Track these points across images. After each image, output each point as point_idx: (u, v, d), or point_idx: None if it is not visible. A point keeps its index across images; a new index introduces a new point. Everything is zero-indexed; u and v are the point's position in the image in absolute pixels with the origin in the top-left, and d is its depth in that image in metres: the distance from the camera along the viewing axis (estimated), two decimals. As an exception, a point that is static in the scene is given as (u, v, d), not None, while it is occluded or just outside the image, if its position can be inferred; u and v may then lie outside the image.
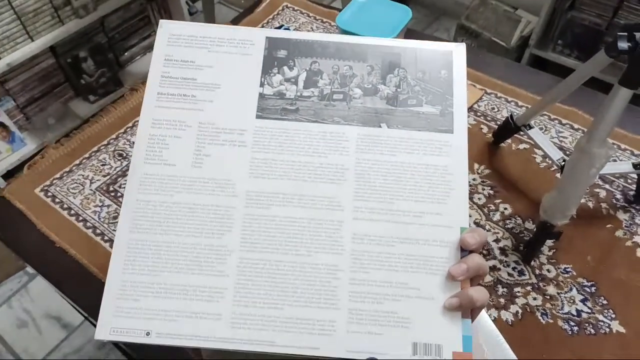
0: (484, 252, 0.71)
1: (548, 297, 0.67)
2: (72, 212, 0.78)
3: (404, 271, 0.42)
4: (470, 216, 0.75)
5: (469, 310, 0.42)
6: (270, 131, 0.46)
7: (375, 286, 0.42)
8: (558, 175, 0.78)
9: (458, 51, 0.49)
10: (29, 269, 1.57)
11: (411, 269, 0.42)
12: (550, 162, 0.80)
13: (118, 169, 0.83)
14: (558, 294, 0.67)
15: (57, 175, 0.82)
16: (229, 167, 0.45)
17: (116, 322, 0.41)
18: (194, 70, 0.48)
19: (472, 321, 0.42)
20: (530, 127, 0.77)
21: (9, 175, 1.71)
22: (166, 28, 0.49)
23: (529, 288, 0.68)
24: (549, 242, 0.71)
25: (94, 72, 1.82)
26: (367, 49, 0.49)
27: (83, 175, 0.82)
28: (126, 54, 1.96)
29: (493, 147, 0.84)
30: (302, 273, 0.42)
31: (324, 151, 0.46)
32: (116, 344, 1.17)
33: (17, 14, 1.53)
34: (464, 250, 0.43)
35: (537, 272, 0.69)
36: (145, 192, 0.45)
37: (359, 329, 0.41)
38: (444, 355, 0.41)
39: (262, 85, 0.48)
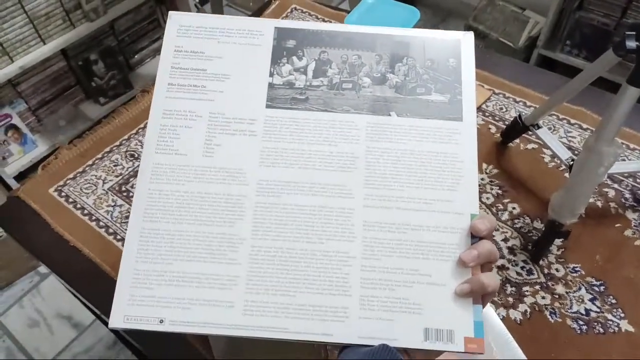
0: (493, 251, 0.71)
1: (557, 296, 0.67)
2: (85, 211, 0.79)
3: (415, 258, 0.43)
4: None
5: (479, 296, 0.42)
6: (281, 120, 0.47)
7: (386, 273, 0.42)
8: (567, 175, 0.78)
9: (466, 40, 0.49)
10: (41, 269, 1.59)
11: (422, 256, 0.43)
12: (558, 161, 0.80)
13: (130, 169, 0.84)
14: (567, 293, 0.67)
15: (71, 176, 0.84)
16: (239, 157, 0.46)
17: (130, 310, 0.42)
18: (203, 61, 0.48)
19: (484, 307, 0.42)
20: (539, 127, 0.78)
21: (21, 176, 1.74)
22: (175, 19, 0.50)
23: (537, 287, 0.68)
24: (558, 242, 0.71)
25: (104, 75, 1.84)
26: (375, 38, 0.50)
27: (96, 176, 0.84)
28: (136, 56, 1.98)
29: (501, 147, 0.84)
30: (313, 260, 0.43)
31: (334, 140, 0.46)
32: (127, 343, 1.18)
33: (29, 18, 1.56)
34: (474, 237, 0.43)
35: (546, 271, 0.69)
36: (157, 182, 0.45)
37: (371, 315, 0.41)
38: (455, 341, 0.41)
39: (271, 75, 0.48)
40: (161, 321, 0.41)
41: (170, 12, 0.50)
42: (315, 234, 0.43)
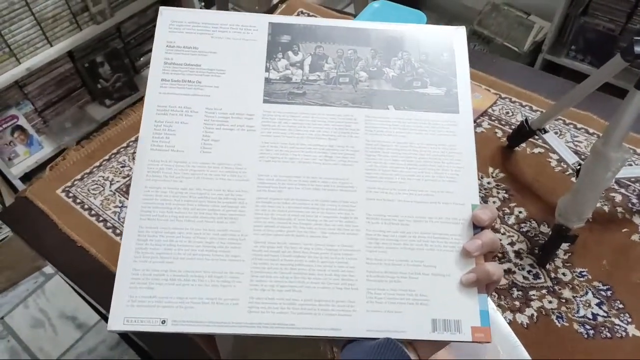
0: (499, 255, 0.72)
1: (563, 301, 0.67)
2: (93, 212, 0.79)
3: (419, 249, 0.43)
4: (484, 219, 0.75)
5: (484, 285, 0.42)
6: (279, 115, 0.46)
7: (392, 265, 0.42)
8: (573, 179, 0.78)
9: (458, 34, 0.50)
10: (45, 270, 1.59)
11: (426, 247, 0.43)
12: (565, 166, 0.80)
13: (137, 170, 0.85)
14: (573, 297, 0.67)
15: (78, 177, 0.84)
16: (238, 152, 0.45)
17: (130, 311, 0.40)
18: (197, 57, 0.48)
19: (488, 295, 0.42)
20: (545, 131, 0.78)
21: (27, 177, 1.74)
22: (167, 15, 0.49)
23: (544, 291, 0.68)
24: (564, 246, 0.71)
25: (110, 77, 1.85)
26: (369, 33, 0.50)
27: (103, 177, 0.84)
28: (142, 59, 1.99)
29: (507, 151, 0.84)
30: (318, 255, 0.42)
31: (334, 134, 0.46)
32: (131, 343, 1.18)
33: (36, 20, 1.57)
34: (477, 227, 0.44)
35: (553, 275, 0.69)
36: (153, 179, 0.44)
37: (378, 308, 0.41)
38: (463, 331, 0.41)
39: (267, 70, 0.48)
40: (163, 322, 0.40)
41: (161, 8, 0.49)
42: (319, 228, 0.43)
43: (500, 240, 0.73)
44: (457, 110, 0.48)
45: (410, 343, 0.42)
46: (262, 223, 0.43)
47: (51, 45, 1.64)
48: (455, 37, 0.50)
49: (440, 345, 0.43)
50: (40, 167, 1.75)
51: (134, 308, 0.41)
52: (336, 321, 0.41)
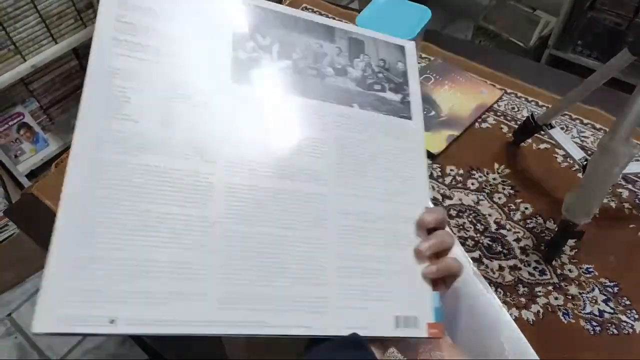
0: (505, 251, 0.71)
1: (570, 297, 0.66)
2: (98, 209, 0.79)
3: (385, 246, 0.44)
4: (490, 215, 0.75)
5: (440, 282, 0.45)
6: (248, 98, 0.43)
7: (360, 261, 0.42)
8: (580, 175, 0.78)
9: (409, 46, 0.53)
10: (52, 267, 1.60)
11: (391, 245, 0.44)
12: (571, 161, 0.79)
13: (142, 167, 0.85)
14: (580, 293, 0.67)
15: (84, 174, 0.84)
16: (204, 130, 0.40)
17: (65, 308, 0.32)
18: (156, 20, 0.42)
19: (447, 288, 0.45)
20: (552, 127, 0.77)
21: (33, 175, 1.75)
22: None
23: (550, 288, 0.67)
24: (571, 242, 0.71)
25: (115, 74, 1.85)
26: (334, 31, 0.51)
27: (108, 174, 0.84)
28: (146, 56, 2.00)
29: (513, 146, 0.83)
30: (291, 247, 0.40)
31: (304, 124, 0.45)
32: (138, 341, 1.18)
33: (41, 17, 1.57)
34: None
35: (559, 271, 0.69)
36: (101, 150, 0.36)
37: (348, 304, 0.40)
38: (419, 326, 0.42)
39: (235, 49, 0.45)
40: (112, 321, 0.33)
41: None
42: (290, 219, 0.41)
43: (506, 236, 0.73)
44: (410, 117, 0.50)
45: (376, 340, 0.42)
46: (232, 210, 0.39)
47: (56, 43, 1.65)
48: (406, 49, 0.53)
49: (391, 344, 0.42)
50: (46, 164, 1.75)
51: (71, 305, 0.33)
52: (309, 318, 0.38)
